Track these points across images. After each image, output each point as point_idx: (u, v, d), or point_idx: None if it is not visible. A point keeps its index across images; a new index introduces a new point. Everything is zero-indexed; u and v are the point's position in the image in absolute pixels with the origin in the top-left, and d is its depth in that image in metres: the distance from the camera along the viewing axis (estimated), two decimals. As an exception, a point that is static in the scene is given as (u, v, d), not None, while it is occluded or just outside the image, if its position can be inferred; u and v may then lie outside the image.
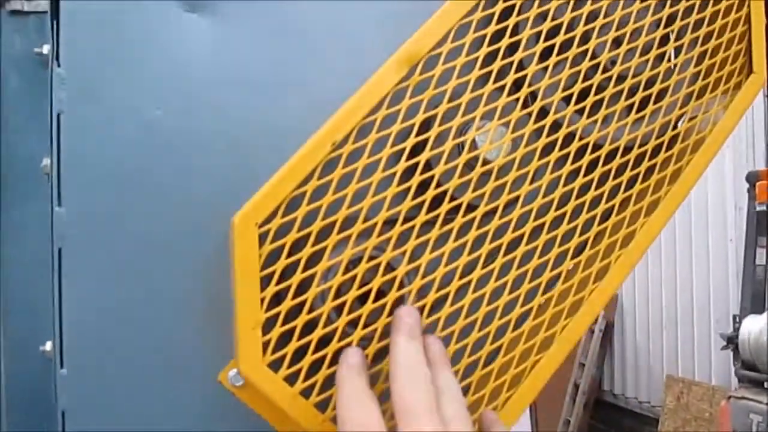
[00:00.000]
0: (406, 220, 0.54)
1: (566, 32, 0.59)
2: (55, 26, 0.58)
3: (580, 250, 0.59)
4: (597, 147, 0.60)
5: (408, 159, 0.54)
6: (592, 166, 0.60)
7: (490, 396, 0.55)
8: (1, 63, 0.58)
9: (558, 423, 4.05)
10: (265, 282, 0.51)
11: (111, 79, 0.58)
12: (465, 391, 0.54)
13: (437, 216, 0.55)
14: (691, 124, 0.63)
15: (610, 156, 0.60)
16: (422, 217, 0.54)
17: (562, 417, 4.07)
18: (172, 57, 0.59)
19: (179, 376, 0.58)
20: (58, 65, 0.57)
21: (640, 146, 0.60)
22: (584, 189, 0.59)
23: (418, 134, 0.55)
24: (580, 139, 0.59)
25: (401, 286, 0.54)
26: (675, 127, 0.63)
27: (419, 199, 0.54)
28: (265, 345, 0.50)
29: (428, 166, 0.55)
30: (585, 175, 0.59)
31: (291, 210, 0.51)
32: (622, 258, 0.59)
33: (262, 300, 0.50)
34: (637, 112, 0.61)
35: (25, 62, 0.59)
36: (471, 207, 0.56)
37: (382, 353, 0.52)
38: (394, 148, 0.54)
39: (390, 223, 0.54)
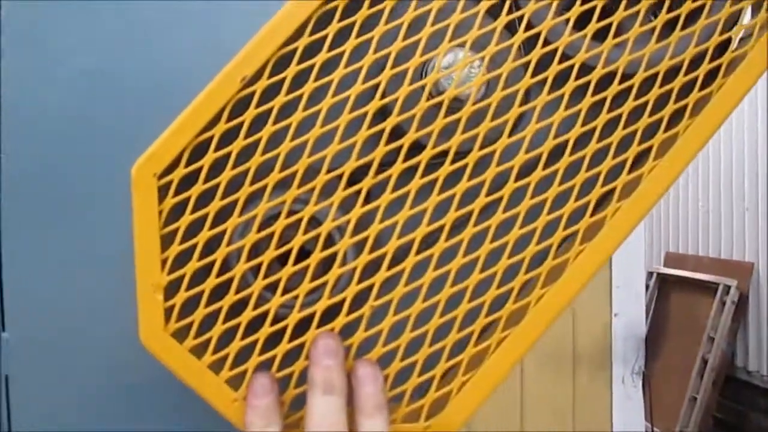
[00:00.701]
0: (334, 169, 0.46)
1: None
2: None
3: (561, 202, 0.47)
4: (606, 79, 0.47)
5: (339, 93, 0.45)
6: (597, 104, 0.48)
7: (440, 380, 0.45)
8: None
9: (683, 401, 3.72)
10: (167, 241, 0.45)
11: (48, 26, 0.54)
12: (408, 374, 0.45)
13: (372, 162, 0.45)
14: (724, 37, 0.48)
15: (606, 83, 0.47)
16: (351, 163, 0.45)
17: (688, 394, 3.73)
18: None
19: (123, 338, 0.54)
20: (-6, 13, 0.54)
21: (647, 69, 0.47)
22: (585, 135, 0.47)
23: (348, 65, 0.46)
24: (583, 72, 0.47)
25: (330, 244, 0.46)
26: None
27: (350, 140, 0.45)
28: (168, 311, 0.44)
29: (385, 111, 0.46)
30: (585, 121, 0.47)
31: (196, 158, 0.45)
32: (620, 213, 0.46)
33: (164, 261, 0.44)
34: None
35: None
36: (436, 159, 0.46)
37: (305, 324, 0.45)
38: (320, 82, 0.45)
39: (314, 171, 0.45)
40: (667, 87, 0.47)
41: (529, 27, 0.46)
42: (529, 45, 0.47)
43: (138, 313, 0.44)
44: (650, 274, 4.41)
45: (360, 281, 0.45)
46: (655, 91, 0.47)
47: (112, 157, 0.53)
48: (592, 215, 0.47)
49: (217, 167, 0.45)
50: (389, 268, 0.45)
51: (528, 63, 0.46)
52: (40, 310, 0.53)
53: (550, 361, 2.09)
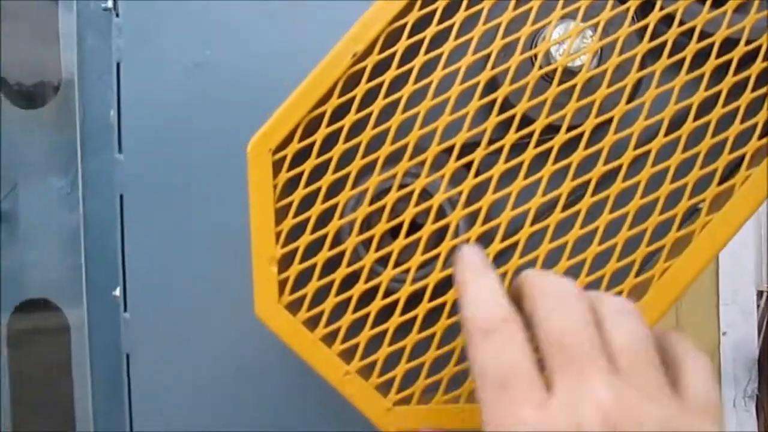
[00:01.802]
0: (445, 141, 0.45)
1: None
2: (114, -21, 0.59)
3: (685, 171, 0.44)
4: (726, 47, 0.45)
5: (449, 66, 0.45)
6: (719, 73, 0.45)
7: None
8: (78, 23, 0.61)
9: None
10: (282, 214, 0.46)
11: (164, 23, 0.57)
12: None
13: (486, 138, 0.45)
14: None
15: (729, 45, 0.45)
16: (462, 134, 0.45)
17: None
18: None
19: (238, 317, 0.56)
20: (117, 15, 0.58)
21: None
22: (708, 103, 0.44)
23: (459, 36, 0.46)
24: (702, 38, 0.44)
25: (441, 216, 0.45)
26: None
27: (460, 112, 0.45)
28: (283, 284, 0.45)
29: (494, 84, 0.45)
30: (709, 87, 0.44)
31: (310, 134, 0.46)
32: (752, 179, 0.43)
33: (278, 234, 0.45)
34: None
35: (99, 20, 0.61)
36: (546, 132, 0.45)
37: (416, 298, 0.44)
38: (430, 55, 0.45)
39: (425, 145, 0.45)
40: (801, 47, 0.44)
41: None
42: (643, 12, 0.45)
43: (254, 285, 0.45)
44: (760, 294, 4.13)
45: (473, 254, 0.44)
46: (787, 52, 0.44)
47: (227, 142, 0.55)
48: (719, 185, 0.44)
49: (330, 142, 0.46)
50: (503, 240, 0.44)
51: (642, 32, 0.45)
52: (160, 291, 0.56)
53: (653, 381, 1.98)
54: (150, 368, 0.56)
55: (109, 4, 0.60)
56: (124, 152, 0.56)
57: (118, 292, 0.58)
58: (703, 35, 0.45)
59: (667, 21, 0.45)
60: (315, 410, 0.54)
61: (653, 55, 0.45)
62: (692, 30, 0.44)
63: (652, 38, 0.45)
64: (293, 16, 0.55)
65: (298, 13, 0.54)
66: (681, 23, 0.45)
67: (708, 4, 0.45)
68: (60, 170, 0.61)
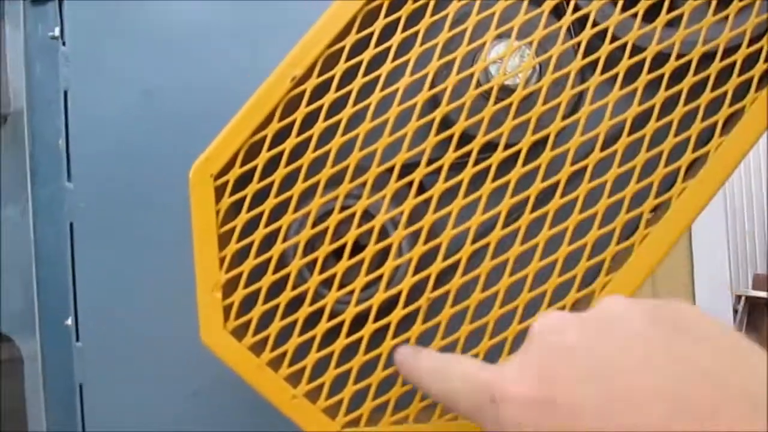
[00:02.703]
0: (385, 162, 0.45)
1: None
2: (60, 7, 0.59)
3: (622, 185, 0.45)
4: (659, 61, 0.45)
5: (387, 87, 0.46)
6: (652, 87, 0.46)
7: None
8: (26, 52, 0.61)
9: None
10: (225, 240, 0.46)
11: (110, 52, 0.57)
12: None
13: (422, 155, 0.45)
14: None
15: (660, 61, 0.45)
16: (402, 155, 0.45)
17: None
18: (170, 19, 0.57)
19: (189, 343, 0.55)
20: (63, 44, 0.58)
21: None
22: (643, 118, 0.45)
23: (396, 58, 0.46)
24: (635, 53, 0.45)
25: (384, 236, 0.45)
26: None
27: (400, 132, 0.45)
28: (227, 309, 0.45)
29: (435, 103, 0.46)
30: (642, 101, 0.45)
31: (251, 158, 0.46)
32: (686, 195, 0.44)
33: (222, 259, 0.45)
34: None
35: (46, 48, 0.61)
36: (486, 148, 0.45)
37: (361, 320, 0.44)
38: (369, 77, 0.46)
39: (366, 166, 0.46)
40: (729, 61, 0.45)
41: (576, 9, 0.45)
42: (578, 28, 0.46)
43: (198, 312, 0.45)
44: (738, 298, 4.17)
45: (416, 273, 0.44)
46: (716, 66, 0.45)
47: (176, 169, 0.55)
48: (656, 197, 0.44)
49: (271, 166, 0.46)
50: (445, 258, 0.44)
51: (577, 46, 0.45)
52: (111, 319, 0.55)
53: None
54: (103, 397, 0.55)
55: (56, 32, 0.59)
56: (73, 180, 0.56)
57: (70, 321, 0.57)
58: (636, 50, 0.45)
59: (601, 36, 0.46)
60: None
61: (591, 70, 0.46)
62: (625, 45, 0.45)
63: (587, 54, 0.45)
64: (240, 42, 0.55)
65: (244, 40, 0.55)
66: (614, 38, 0.45)
67: (639, 19, 0.45)
68: (10, 199, 0.60)
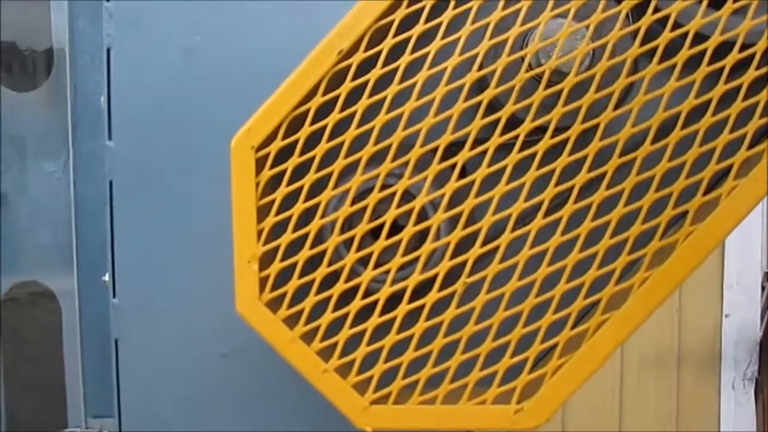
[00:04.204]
0: (429, 143, 0.45)
1: None
2: (106, -38, 0.58)
3: (670, 180, 0.44)
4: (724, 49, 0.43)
5: (435, 66, 0.45)
6: (712, 75, 0.44)
7: (533, 362, 0.44)
8: (70, 6, 0.60)
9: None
10: (264, 212, 0.46)
11: (154, 9, 0.57)
12: (500, 354, 0.44)
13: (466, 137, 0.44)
14: None
15: (722, 52, 0.43)
16: (447, 136, 0.44)
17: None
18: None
19: (224, 305, 0.56)
20: (107, 0, 0.57)
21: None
22: (699, 109, 0.43)
23: (445, 35, 0.45)
24: (698, 41, 0.43)
25: (423, 218, 0.45)
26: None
27: (446, 113, 0.44)
28: (263, 281, 0.45)
29: (482, 84, 0.44)
30: (700, 95, 0.43)
31: (293, 131, 0.45)
32: (736, 192, 0.43)
33: (260, 232, 0.45)
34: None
35: (90, 2, 0.61)
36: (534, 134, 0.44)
37: (395, 300, 0.44)
38: (417, 54, 0.45)
39: (409, 146, 0.45)
40: (796, 55, 0.43)
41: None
42: (637, 13, 0.44)
43: (235, 282, 0.46)
44: (766, 275, 4.11)
45: (453, 257, 0.44)
46: (782, 60, 0.43)
47: (218, 130, 0.54)
48: (704, 194, 0.43)
49: (313, 140, 0.45)
50: (484, 244, 0.44)
51: (635, 32, 0.43)
52: (148, 277, 0.56)
53: (653, 362, 1.99)
54: (138, 354, 0.57)
55: (101, -13, 0.59)
56: (114, 139, 0.56)
57: (107, 277, 0.58)
58: (698, 39, 0.43)
59: (662, 22, 0.44)
60: (296, 401, 0.55)
61: (646, 58, 0.44)
62: (686, 33, 0.43)
63: (645, 41, 0.44)
64: (287, 7, 0.54)
65: (292, 5, 0.53)
66: (676, 26, 0.43)
67: (704, 6, 0.43)
68: (52, 154, 0.61)
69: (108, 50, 0.57)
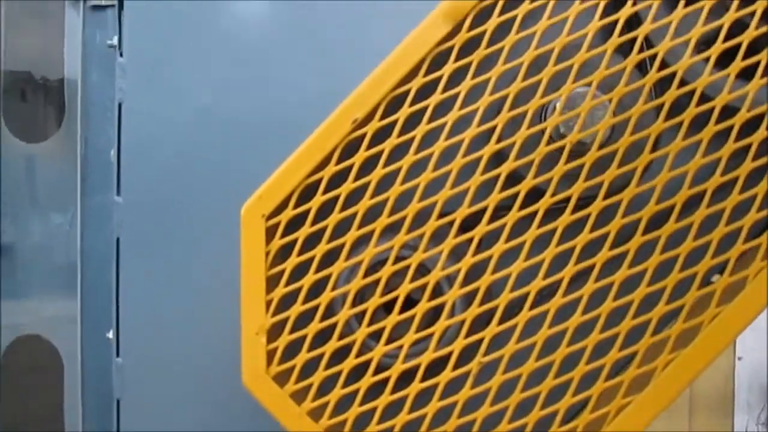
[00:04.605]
0: (447, 213, 0.43)
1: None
2: (120, 17, 0.58)
3: (696, 259, 0.42)
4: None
5: (452, 136, 0.43)
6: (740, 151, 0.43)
7: (552, 445, 0.42)
8: (83, 57, 0.60)
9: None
10: (273, 282, 0.44)
11: (169, 66, 0.56)
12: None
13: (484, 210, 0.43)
14: None
15: (750, 127, 0.42)
16: (464, 209, 0.43)
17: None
18: (227, 36, 0.55)
19: (229, 373, 0.55)
20: (120, 55, 0.57)
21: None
22: (726, 185, 0.42)
23: (463, 107, 0.44)
24: (725, 115, 0.42)
25: (438, 293, 0.43)
26: None
27: (463, 186, 0.43)
28: (271, 354, 0.44)
29: (502, 153, 0.43)
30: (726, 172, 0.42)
31: (305, 200, 0.44)
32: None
33: (269, 303, 0.44)
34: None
35: (104, 56, 0.60)
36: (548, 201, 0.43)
37: (408, 376, 0.43)
38: (433, 124, 0.44)
39: (424, 217, 0.44)
40: (826, 132, 0.41)
41: (663, 66, 0.42)
42: (662, 85, 0.43)
43: (242, 354, 0.44)
44: (779, 313, 4.05)
45: (468, 335, 0.42)
46: (811, 138, 0.41)
47: (228, 191, 0.54)
48: (731, 275, 0.42)
49: (325, 209, 0.44)
50: (501, 322, 0.42)
51: (660, 106, 0.42)
52: (153, 338, 0.55)
53: (664, 405, 1.94)
54: (140, 416, 0.55)
55: (114, 41, 0.58)
56: (122, 195, 0.56)
57: (111, 334, 0.57)
58: (727, 111, 0.42)
59: (687, 94, 0.43)
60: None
61: (670, 129, 0.43)
62: (713, 107, 0.42)
63: (670, 115, 0.42)
64: (300, 67, 0.53)
65: (310, 66, 0.53)
66: (702, 99, 0.42)
67: (731, 78, 0.42)
68: (60, 206, 0.60)
69: (120, 105, 0.56)
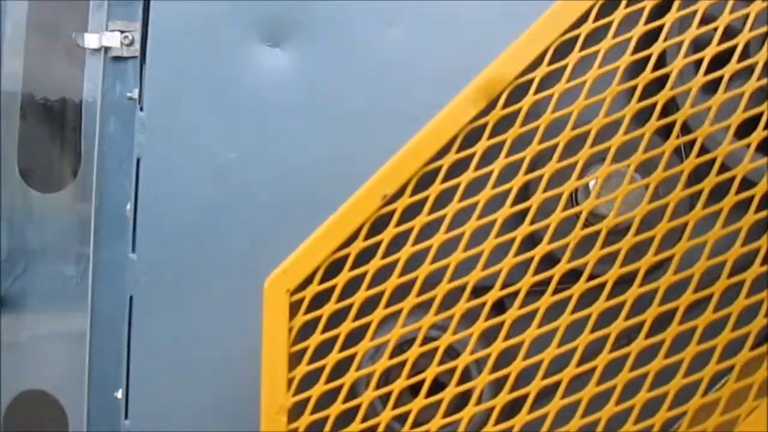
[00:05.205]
0: (477, 292, 0.42)
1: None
2: (141, 70, 0.57)
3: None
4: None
5: (485, 215, 0.42)
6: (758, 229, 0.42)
7: None
8: (101, 108, 0.59)
9: None
10: (295, 360, 0.43)
11: (189, 122, 0.55)
12: None
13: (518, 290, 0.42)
14: None
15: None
16: (495, 292, 0.42)
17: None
18: (251, 95, 0.54)
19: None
20: (141, 109, 0.56)
21: None
22: (747, 258, 0.41)
23: (496, 185, 0.43)
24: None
25: (467, 377, 0.42)
26: None
27: (495, 268, 0.42)
28: (292, 435, 0.42)
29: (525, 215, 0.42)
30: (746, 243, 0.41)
31: (331, 275, 0.43)
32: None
33: (290, 381, 0.43)
34: None
35: (123, 107, 0.59)
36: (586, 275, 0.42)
37: (433, 462, 0.41)
38: (466, 203, 0.43)
39: (453, 296, 0.42)
40: None
41: (703, 152, 0.41)
42: (701, 170, 0.42)
43: (261, 433, 0.43)
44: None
45: (498, 422, 0.41)
46: None
47: (247, 252, 0.52)
48: (752, 349, 0.40)
49: (352, 286, 0.43)
50: (531, 410, 0.41)
51: (698, 191, 0.41)
52: (163, 402, 0.53)
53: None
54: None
55: (134, 94, 0.58)
56: (137, 252, 0.54)
57: (120, 394, 0.55)
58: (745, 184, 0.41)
59: (708, 163, 0.42)
60: None
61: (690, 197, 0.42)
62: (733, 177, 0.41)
63: (690, 183, 0.41)
64: (322, 127, 0.52)
65: (330, 127, 0.52)
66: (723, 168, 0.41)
67: (752, 149, 0.41)
68: (71, 258, 0.59)
69: (138, 160, 0.55)
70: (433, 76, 0.51)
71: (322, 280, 0.43)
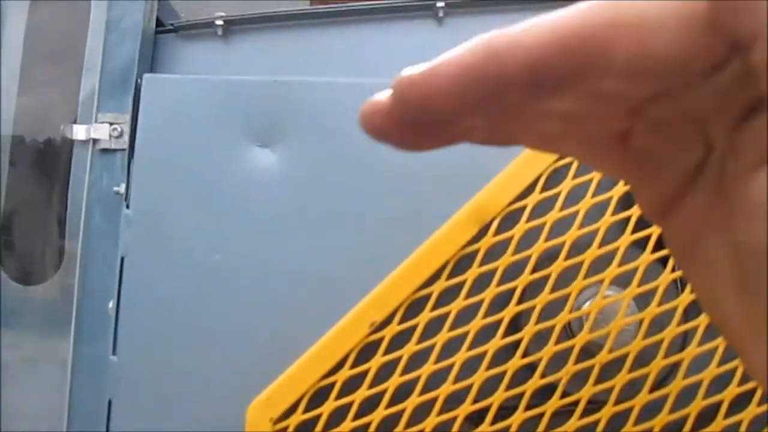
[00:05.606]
0: (472, 422, 0.41)
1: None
2: (129, 165, 0.56)
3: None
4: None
5: (476, 346, 0.41)
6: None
7: None
8: (87, 200, 0.58)
9: None
10: (277, 493, 0.41)
11: (176, 222, 0.54)
12: None
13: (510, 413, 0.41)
14: None
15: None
16: (485, 428, 0.40)
17: None
18: (239, 195, 0.54)
19: None
20: (127, 207, 0.55)
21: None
22: (743, 398, 0.40)
23: (487, 315, 0.42)
24: None
25: None
26: None
27: (485, 402, 0.41)
28: None
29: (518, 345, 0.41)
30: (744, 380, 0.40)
31: (316, 404, 0.42)
32: None
33: None
34: None
35: (109, 200, 0.58)
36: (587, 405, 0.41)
37: None
38: (455, 332, 0.41)
39: (445, 426, 0.41)
40: None
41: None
42: (697, 302, 0.41)
43: None
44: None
45: None
46: None
47: (225, 360, 0.51)
48: None
49: (338, 416, 0.41)
50: None
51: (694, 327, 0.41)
52: None
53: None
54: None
55: (122, 188, 0.57)
56: (118, 354, 0.53)
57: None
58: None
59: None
60: None
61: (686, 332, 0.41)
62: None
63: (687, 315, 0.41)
64: (312, 230, 0.51)
65: (319, 230, 0.51)
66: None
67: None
68: (53, 355, 0.57)
69: (122, 258, 0.54)
70: (425, 181, 0.51)
71: (307, 409, 0.41)
